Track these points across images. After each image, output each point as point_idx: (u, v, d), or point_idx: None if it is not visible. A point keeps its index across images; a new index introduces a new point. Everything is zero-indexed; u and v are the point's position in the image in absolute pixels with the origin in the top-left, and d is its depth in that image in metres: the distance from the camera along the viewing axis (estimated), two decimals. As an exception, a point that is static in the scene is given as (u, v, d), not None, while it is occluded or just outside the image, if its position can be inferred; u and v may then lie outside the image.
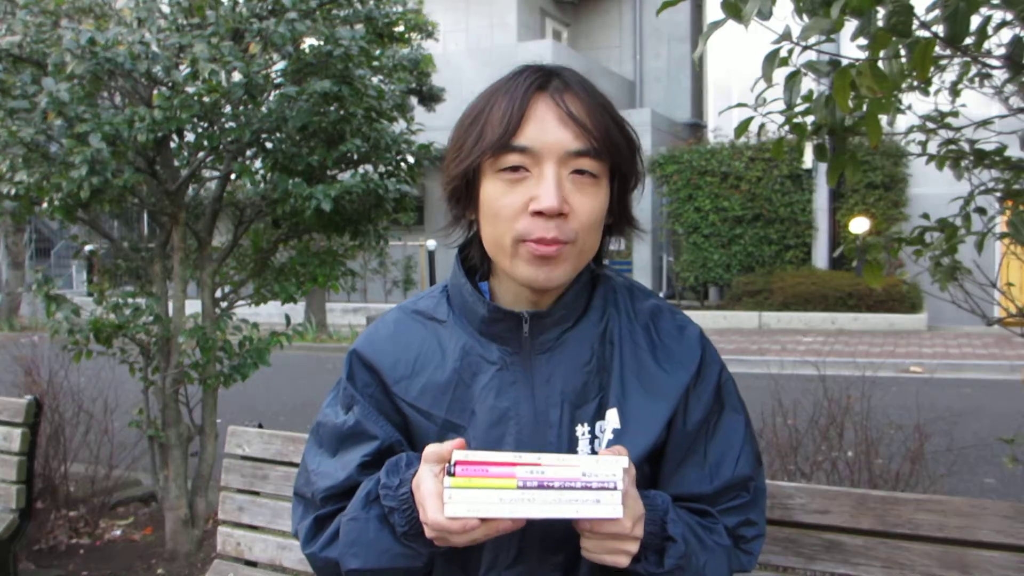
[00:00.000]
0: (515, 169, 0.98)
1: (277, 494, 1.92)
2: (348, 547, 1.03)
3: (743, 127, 1.66)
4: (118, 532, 3.62)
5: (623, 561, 0.93)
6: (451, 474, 0.88)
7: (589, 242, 1.02)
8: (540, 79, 1.00)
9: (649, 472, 1.07)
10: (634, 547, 0.93)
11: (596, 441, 1.04)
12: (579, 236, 0.99)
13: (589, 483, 0.88)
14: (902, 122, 2.07)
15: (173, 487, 3.15)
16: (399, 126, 3.34)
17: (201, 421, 3.22)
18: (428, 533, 0.92)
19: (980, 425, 5.15)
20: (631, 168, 1.05)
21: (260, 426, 2.00)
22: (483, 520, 0.88)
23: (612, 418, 1.04)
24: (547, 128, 0.98)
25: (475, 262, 1.12)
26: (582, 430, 1.04)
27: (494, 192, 1.00)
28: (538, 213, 0.96)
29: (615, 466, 0.88)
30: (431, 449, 0.94)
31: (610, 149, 1.00)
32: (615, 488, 0.87)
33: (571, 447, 1.04)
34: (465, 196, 1.05)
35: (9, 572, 2.58)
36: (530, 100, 0.98)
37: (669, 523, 0.99)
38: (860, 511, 1.38)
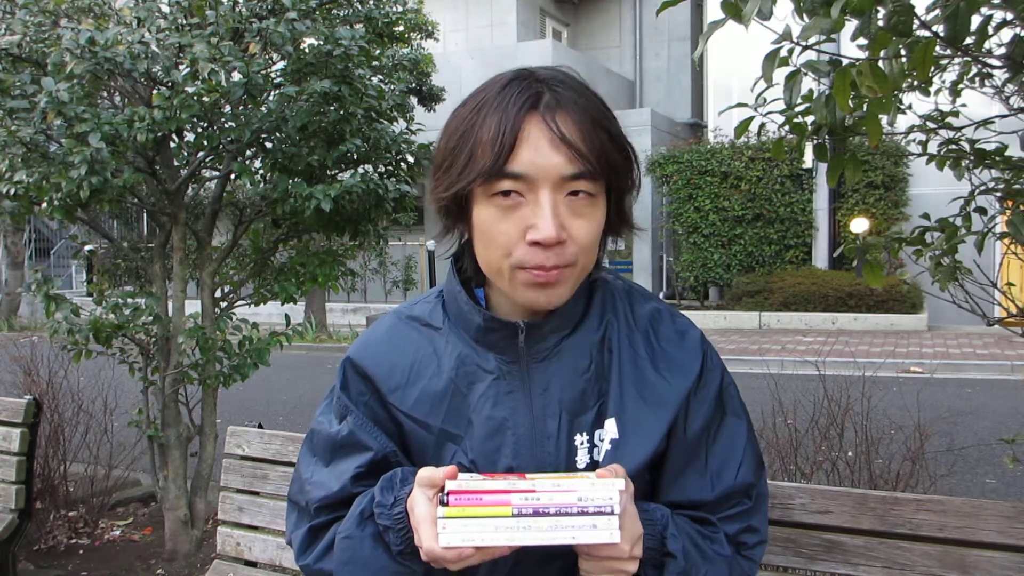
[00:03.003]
0: (507, 194, 0.95)
1: (277, 494, 1.92)
2: (343, 566, 1.01)
3: (743, 127, 1.66)
4: (118, 532, 3.62)
5: None
6: (444, 504, 0.87)
7: (588, 260, 1.00)
8: (532, 98, 0.95)
9: (650, 480, 1.06)
10: (633, 567, 0.92)
11: (595, 450, 1.03)
12: (579, 259, 0.98)
13: (585, 508, 0.86)
14: (902, 122, 2.07)
15: (173, 487, 3.15)
16: (399, 126, 3.34)
17: (201, 421, 3.22)
18: (423, 556, 0.91)
19: (980, 425, 5.15)
20: (627, 182, 1.02)
21: (260, 426, 2.00)
22: (478, 548, 0.87)
23: (610, 428, 1.02)
24: (541, 152, 0.93)
25: (470, 274, 1.10)
26: (580, 439, 1.03)
27: (488, 218, 0.97)
28: (536, 243, 0.94)
29: (611, 489, 0.87)
30: (424, 474, 0.92)
31: (605, 169, 0.96)
32: (612, 512, 0.86)
33: (569, 457, 1.03)
34: (456, 213, 1.03)
35: (8, 572, 2.57)
36: (522, 122, 0.94)
37: (668, 538, 0.98)
38: (860, 511, 1.38)
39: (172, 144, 3.00)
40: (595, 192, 0.97)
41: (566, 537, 0.86)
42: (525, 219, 0.94)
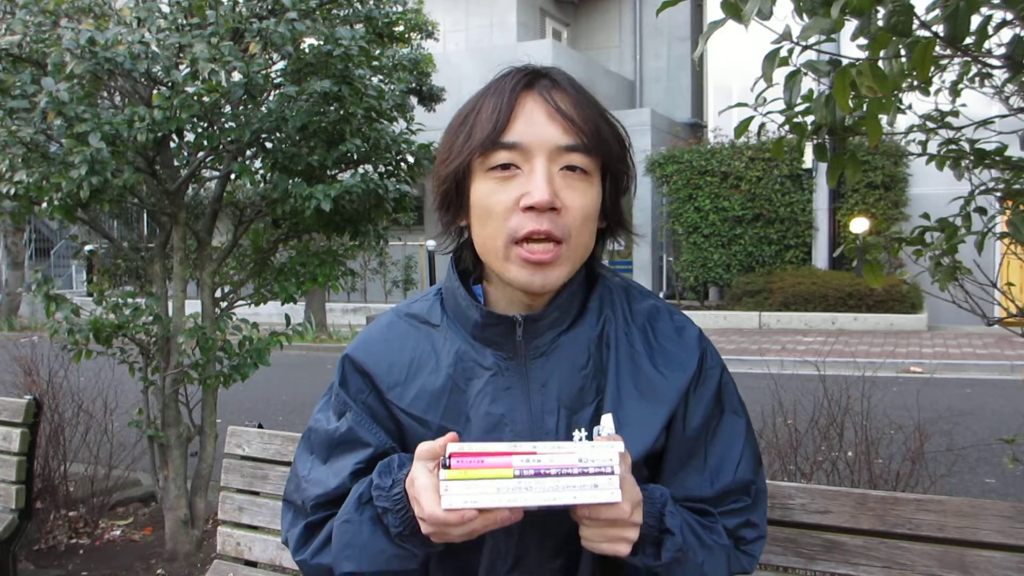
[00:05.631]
0: (505, 167, 0.98)
1: (277, 494, 1.91)
2: (341, 550, 1.02)
3: (743, 127, 1.66)
4: (118, 532, 3.62)
5: (623, 549, 0.92)
6: (446, 466, 0.88)
7: (582, 241, 1.01)
8: (528, 78, 1.01)
9: (648, 476, 1.06)
10: (634, 534, 0.92)
11: None
12: (572, 233, 0.98)
13: (586, 468, 0.87)
14: (902, 122, 2.07)
15: (173, 487, 3.15)
16: (399, 126, 3.34)
17: (201, 421, 3.22)
18: (425, 529, 0.91)
19: (980, 425, 5.15)
20: (622, 166, 1.05)
21: (260, 426, 2.00)
22: (481, 511, 0.87)
23: (607, 423, 1.03)
24: (536, 123, 0.98)
25: (468, 265, 1.11)
26: (579, 435, 1.03)
27: (485, 191, 0.99)
28: (529, 208, 0.96)
29: (611, 451, 0.88)
30: (424, 446, 0.93)
31: (599, 144, 1.00)
32: (612, 472, 0.87)
33: None
34: (456, 200, 1.04)
35: (9, 572, 2.57)
36: (518, 97, 0.99)
37: (667, 516, 0.98)
38: (860, 511, 1.38)
39: (172, 144, 3.00)
40: (590, 169, 1.00)
41: (567, 497, 0.87)
42: (521, 187, 0.97)
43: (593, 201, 1.01)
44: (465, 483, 0.87)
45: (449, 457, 0.88)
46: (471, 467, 0.87)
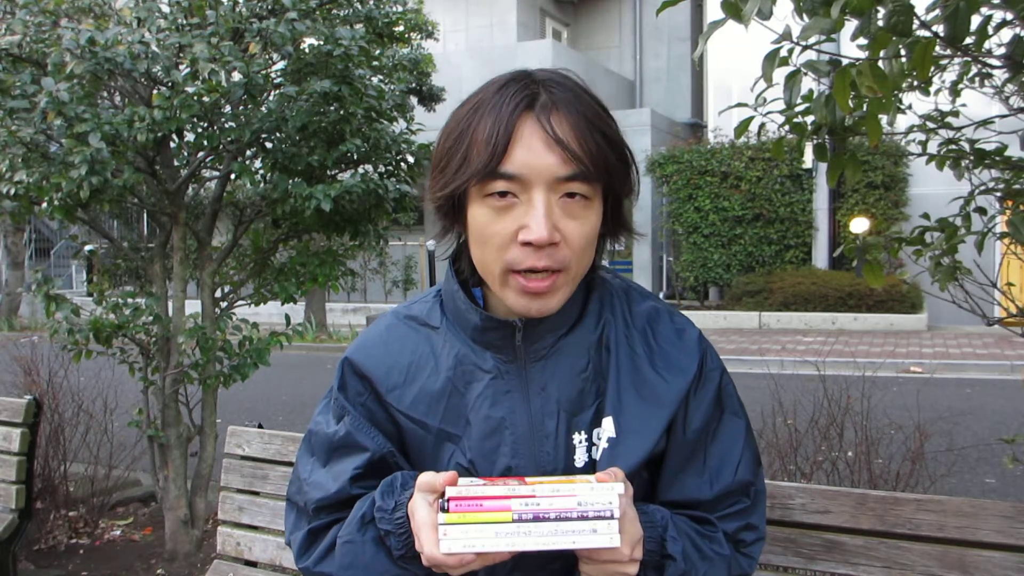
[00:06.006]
0: (503, 195, 0.94)
1: (277, 494, 1.91)
2: (344, 569, 1.02)
3: (743, 127, 1.66)
4: (118, 532, 3.62)
5: None
6: (445, 510, 0.88)
7: (582, 264, 1.00)
8: (527, 98, 0.95)
9: (648, 478, 1.07)
10: (633, 569, 0.92)
11: (593, 449, 1.03)
12: (571, 264, 0.97)
13: (585, 512, 0.87)
14: (902, 122, 2.07)
15: (173, 487, 3.15)
16: (399, 126, 3.34)
17: (201, 421, 3.22)
18: (424, 562, 0.92)
19: (980, 425, 5.15)
20: (624, 184, 1.02)
21: (260, 426, 2.00)
22: (479, 554, 0.88)
23: (608, 427, 1.02)
24: (534, 153, 0.93)
25: (467, 274, 1.10)
26: (579, 438, 1.03)
27: (482, 219, 0.96)
28: (528, 243, 0.94)
29: (611, 493, 0.88)
30: (425, 479, 0.93)
31: (601, 171, 0.96)
32: (611, 517, 0.87)
33: (568, 456, 1.03)
34: (452, 214, 1.03)
35: (9, 572, 2.57)
36: (516, 122, 0.93)
37: (668, 541, 0.98)
38: (860, 511, 1.38)
39: (172, 144, 3.00)
40: (590, 195, 0.97)
41: (566, 542, 0.87)
42: (518, 219, 0.94)
43: (593, 226, 0.98)
44: (464, 527, 0.87)
45: (448, 501, 0.88)
46: (470, 511, 0.87)
